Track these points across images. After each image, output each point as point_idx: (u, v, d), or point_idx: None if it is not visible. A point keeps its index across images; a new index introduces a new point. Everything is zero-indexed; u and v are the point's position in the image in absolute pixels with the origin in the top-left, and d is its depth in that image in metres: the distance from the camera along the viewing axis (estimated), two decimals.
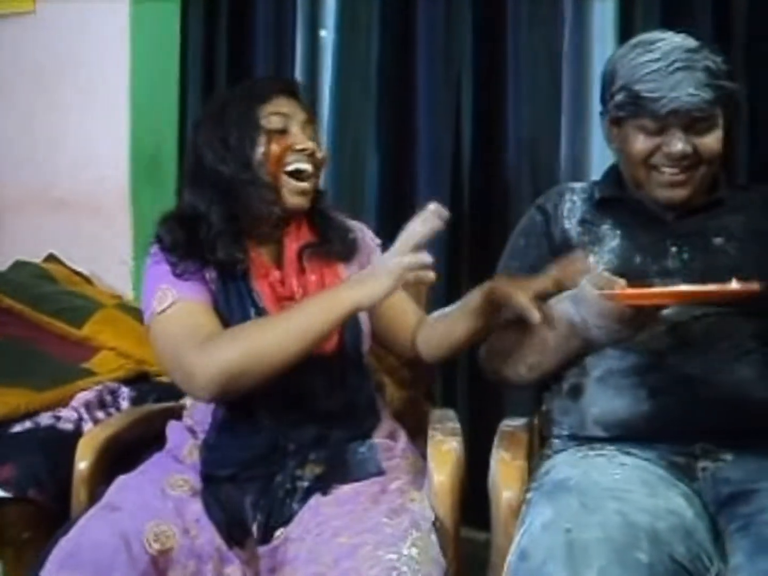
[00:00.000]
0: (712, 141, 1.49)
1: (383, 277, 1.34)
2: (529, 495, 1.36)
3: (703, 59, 1.46)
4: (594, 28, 2.10)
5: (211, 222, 1.50)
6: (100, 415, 1.87)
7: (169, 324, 1.44)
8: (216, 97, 1.67)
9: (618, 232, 1.55)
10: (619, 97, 1.51)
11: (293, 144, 1.52)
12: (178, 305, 1.45)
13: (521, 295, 1.35)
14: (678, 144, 1.47)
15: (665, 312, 1.45)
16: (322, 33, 2.32)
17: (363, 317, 1.57)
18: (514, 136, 2.15)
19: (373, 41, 2.24)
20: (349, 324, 1.49)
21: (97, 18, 2.51)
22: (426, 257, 1.33)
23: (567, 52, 2.10)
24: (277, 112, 1.53)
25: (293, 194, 1.53)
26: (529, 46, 2.13)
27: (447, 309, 1.56)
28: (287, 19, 2.33)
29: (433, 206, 1.34)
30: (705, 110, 1.45)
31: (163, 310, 1.45)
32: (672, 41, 1.48)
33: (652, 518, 1.20)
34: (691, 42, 1.48)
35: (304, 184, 1.53)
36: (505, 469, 1.42)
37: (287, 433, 1.46)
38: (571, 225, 1.60)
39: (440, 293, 2.09)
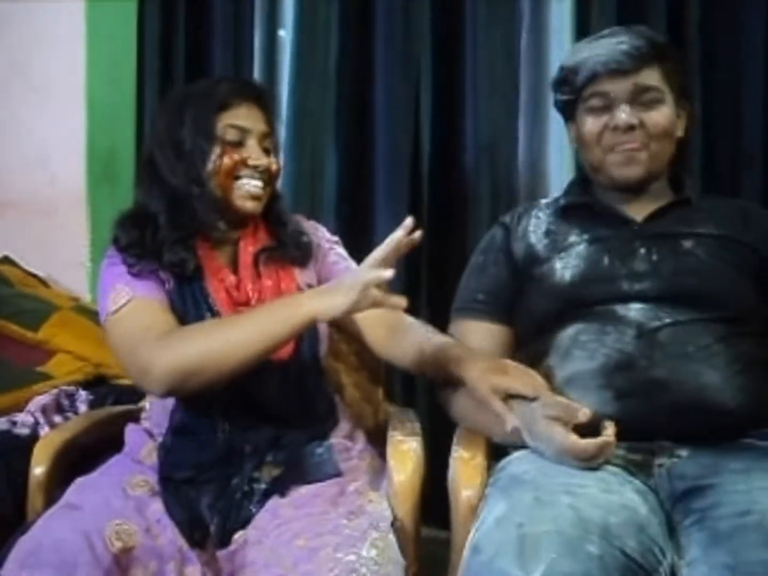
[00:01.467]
0: (658, 115, 1.53)
1: (345, 291, 1.35)
2: (487, 491, 1.37)
3: (636, 29, 1.53)
4: (551, 28, 2.11)
5: (159, 225, 1.50)
6: (57, 419, 1.84)
7: (125, 321, 1.44)
8: (177, 92, 1.62)
9: (585, 236, 1.57)
10: (554, 79, 1.59)
11: (247, 159, 1.51)
12: (133, 303, 1.45)
13: (497, 402, 1.36)
14: (622, 115, 1.52)
15: (633, 316, 1.47)
16: (281, 32, 2.30)
17: (320, 324, 1.55)
18: (472, 136, 2.16)
19: (331, 41, 2.24)
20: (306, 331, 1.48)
21: (52, 15, 2.48)
22: (385, 273, 1.32)
23: (524, 51, 2.12)
24: (234, 125, 1.51)
25: (245, 200, 1.52)
26: (488, 46, 2.15)
27: (430, 334, 1.56)
28: (245, 18, 2.32)
29: (408, 221, 1.34)
30: (626, 64, 1.49)
31: (118, 309, 1.45)
32: (613, 27, 1.56)
33: (604, 513, 1.21)
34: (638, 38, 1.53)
35: (257, 190, 1.53)
36: (464, 468, 1.42)
37: (243, 436, 1.46)
38: (537, 239, 1.61)
39: (398, 284, 2.11)
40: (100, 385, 2.01)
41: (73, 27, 2.44)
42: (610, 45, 1.52)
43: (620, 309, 1.47)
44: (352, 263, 1.64)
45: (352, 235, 1.67)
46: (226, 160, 1.50)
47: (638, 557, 1.18)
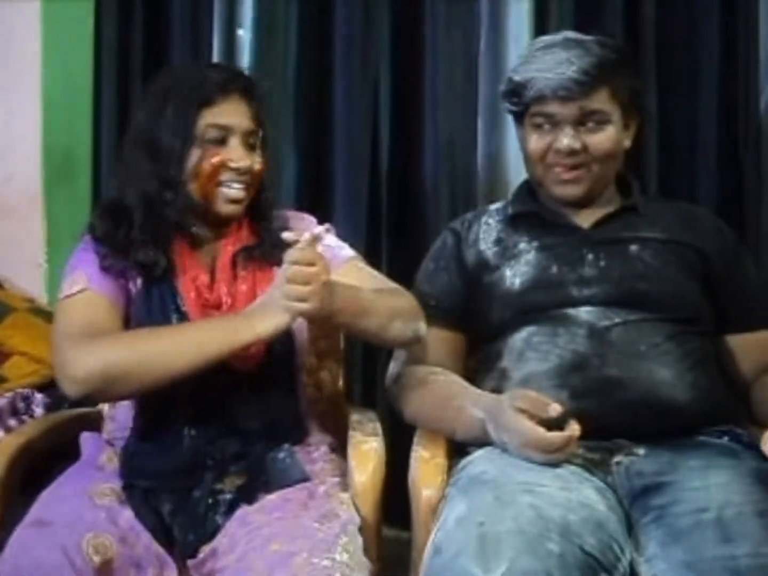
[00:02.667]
0: (602, 139, 1.53)
1: (279, 310, 1.33)
2: (447, 491, 1.38)
3: (587, 44, 1.52)
4: (509, 30, 2.12)
5: (133, 222, 1.46)
6: (12, 422, 1.82)
7: (70, 310, 1.43)
8: (163, 80, 1.52)
9: (534, 244, 1.58)
10: (503, 88, 1.60)
11: (228, 161, 1.45)
12: (84, 294, 1.43)
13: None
14: (564, 140, 1.52)
15: (584, 318, 1.48)
16: (240, 32, 2.29)
17: (300, 331, 1.53)
18: (431, 136, 2.16)
19: (290, 41, 2.23)
20: (278, 342, 1.45)
21: (7, 14, 2.44)
22: (300, 290, 1.30)
23: (483, 53, 2.12)
24: (216, 124, 1.45)
25: (224, 204, 1.48)
26: (446, 47, 2.15)
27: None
28: (204, 17, 2.30)
29: (318, 229, 1.35)
30: (575, 90, 1.49)
31: (69, 296, 1.43)
32: (566, 34, 1.56)
33: (564, 511, 1.22)
34: (586, 36, 1.55)
35: (237, 194, 1.48)
36: (424, 468, 1.43)
37: (208, 447, 1.43)
38: (486, 246, 1.62)
39: None
40: (56, 388, 1.96)
41: (29, 26, 2.41)
42: (560, 66, 1.50)
43: (571, 312, 1.50)
44: (344, 249, 1.59)
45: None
46: (206, 165, 1.45)
47: (597, 554, 1.20)
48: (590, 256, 1.54)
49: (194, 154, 1.45)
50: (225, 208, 1.48)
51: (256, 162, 1.49)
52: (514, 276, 1.56)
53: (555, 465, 1.32)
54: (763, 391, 1.49)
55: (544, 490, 1.26)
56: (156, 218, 1.46)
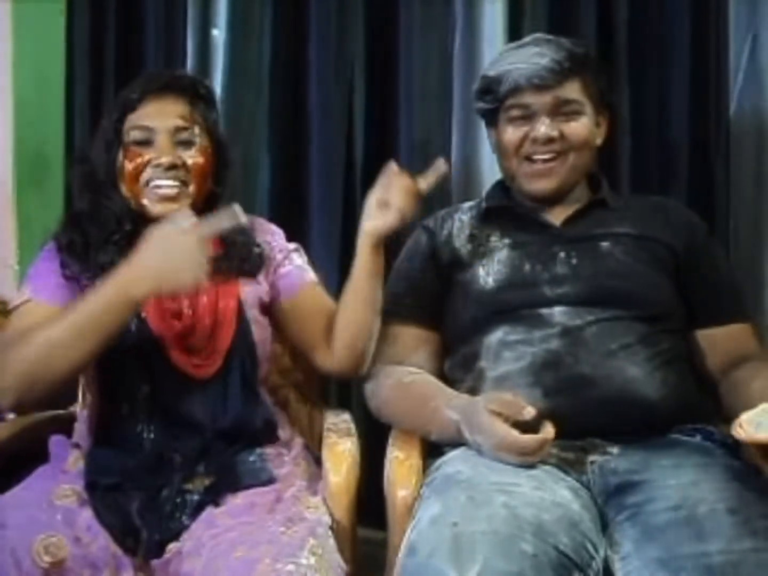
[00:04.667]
0: (578, 126, 1.56)
1: (181, 272, 1.31)
2: (422, 491, 1.38)
3: (557, 41, 1.56)
4: (484, 31, 2.13)
5: (92, 231, 1.48)
6: None
7: (10, 322, 1.44)
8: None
9: (506, 241, 1.59)
10: (476, 87, 1.62)
11: (151, 159, 1.46)
12: (26, 305, 1.45)
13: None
14: (541, 128, 1.54)
15: (557, 318, 1.49)
16: (214, 32, 2.28)
17: (263, 343, 1.54)
18: (406, 138, 2.16)
19: (265, 41, 2.23)
20: (237, 349, 1.47)
21: None
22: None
23: (458, 54, 2.13)
24: (138, 126, 1.47)
25: (155, 202, 1.47)
26: (421, 48, 2.15)
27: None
28: (178, 17, 2.29)
29: (236, 207, 1.35)
30: (548, 78, 1.52)
31: (14, 308, 1.45)
32: (536, 36, 1.59)
33: (537, 511, 1.23)
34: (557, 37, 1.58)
35: (168, 191, 1.47)
36: (399, 468, 1.43)
37: (171, 444, 1.43)
38: (460, 243, 1.62)
39: (333, 288, 2.10)
40: None
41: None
42: (533, 57, 1.54)
43: (544, 311, 1.50)
44: (308, 272, 1.62)
45: (287, 238, 1.65)
46: (127, 164, 1.47)
47: (571, 553, 1.20)
48: (562, 254, 1.55)
49: (118, 160, 1.48)
50: (156, 207, 1.47)
51: (188, 157, 1.48)
52: (488, 275, 1.56)
53: (529, 468, 1.32)
54: (731, 386, 1.50)
55: (518, 489, 1.26)
56: (99, 220, 1.49)
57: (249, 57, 2.25)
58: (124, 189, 1.49)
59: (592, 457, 1.39)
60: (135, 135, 1.47)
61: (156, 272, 1.32)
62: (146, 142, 1.47)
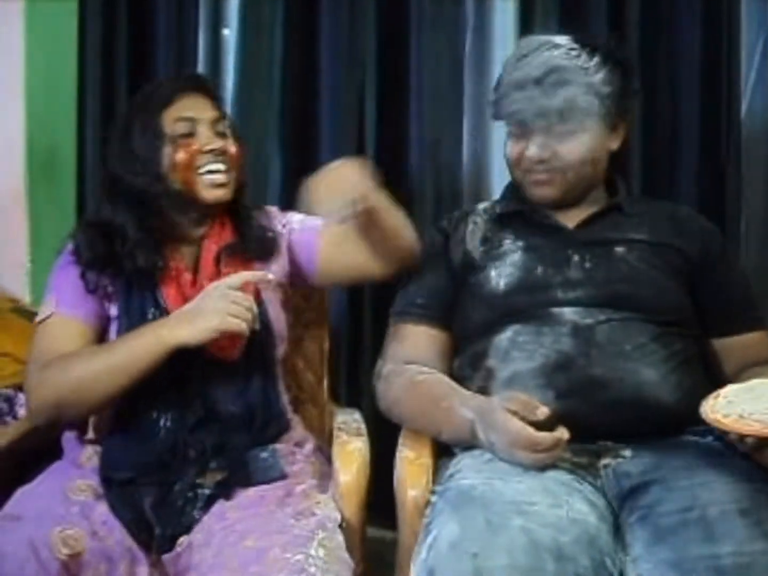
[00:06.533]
0: (572, 147, 1.53)
1: (210, 316, 1.38)
2: (433, 498, 1.37)
3: (564, 72, 1.50)
4: (495, 32, 2.12)
5: (128, 234, 1.50)
6: None
7: (39, 337, 1.49)
8: (123, 111, 1.65)
9: (520, 244, 1.58)
10: (491, 98, 1.61)
11: (201, 147, 1.51)
12: (52, 319, 1.49)
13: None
14: (532, 148, 1.53)
15: (568, 318, 1.48)
16: (225, 32, 2.29)
17: (278, 321, 1.56)
18: (417, 138, 2.16)
19: (276, 41, 2.22)
20: (256, 331, 1.47)
21: None
22: (249, 302, 1.40)
23: (469, 53, 2.13)
24: (181, 117, 1.51)
25: (209, 189, 1.52)
26: (432, 49, 2.15)
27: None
28: (190, 16, 2.29)
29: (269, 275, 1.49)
30: (554, 119, 1.50)
31: (40, 321, 1.50)
32: (544, 54, 1.52)
33: (555, 532, 1.22)
34: (569, 52, 1.52)
35: (220, 177, 1.52)
36: (410, 468, 1.43)
37: (187, 438, 1.45)
38: (473, 246, 1.62)
39: (342, 290, 2.11)
40: None
41: (12, 26, 2.39)
42: (542, 98, 1.49)
43: (555, 311, 1.50)
44: (311, 220, 1.64)
45: None
46: (180, 155, 1.50)
47: (592, 575, 1.20)
48: (576, 258, 1.54)
49: (167, 153, 1.50)
50: (210, 194, 1.52)
51: (230, 145, 1.55)
52: (499, 277, 1.55)
53: (542, 470, 1.32)
54: (746, 372, 1.49)
55: (533, 509, 1.25)
56: (151, 220, 1.52)
57: (260, 56, 2.25)
58: (176, 180, 1.51)
59: (604, 461, 1.38)
60: (179, 127, 1.51)
61: (191, 317, 1.40)
62: (189, 134, 1.51)
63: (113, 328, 1.50)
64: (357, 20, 2.18)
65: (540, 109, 1.50)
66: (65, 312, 1.49)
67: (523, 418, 1.31)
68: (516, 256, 1.57)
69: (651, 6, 2.03)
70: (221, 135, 1.54)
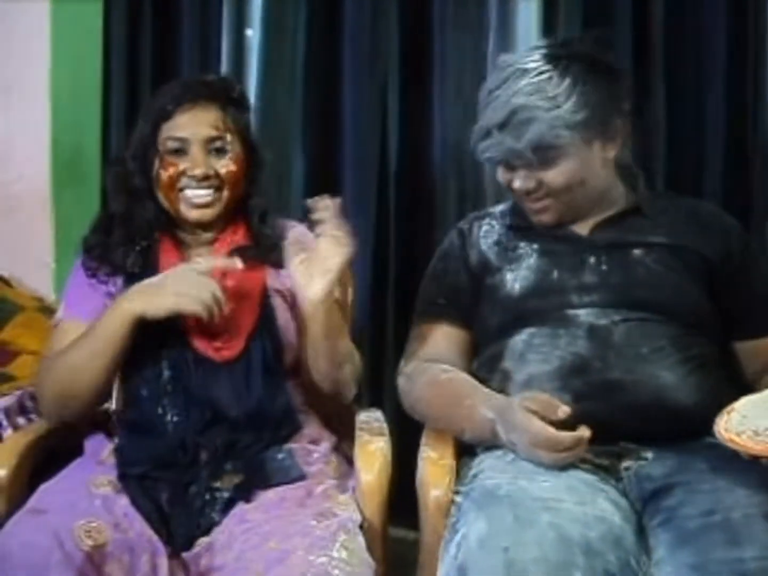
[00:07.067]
0: (556, 174, 1.50)
1: (167, 295, 1.42)
2: (458, 498, 1.37)
3: (526, 110, 1.46)
4: (518, 31, 2.12)
5: (120, 233, 1.55)
6: (20, 421, 1.82)
7: (50, 340, 1.57)
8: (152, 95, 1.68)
9: (535, 247, 1.57)
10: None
11: (186, 169, 1.52)
12: (61, 324, 1.55)
13: None
14: (517, 181, 1.53)
15: (584, 319, 1.47)
16: (248, 32, 2.29)
17: (287, 329, 1.54)
18: (439, 137, 2.16)
19: (299, 41, 2.23)
20: (260, 334, 1.50)
21: (16, 14, 2.45)
22: (212, 287, 1.42)
23: (491, 53, 2.12)
24: (171, 137, 1.53)
25: (189, 209, 1.54)
26: (455, 48, 2.15)
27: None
28: (213, 17, 2.30)
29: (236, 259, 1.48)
30: (518, 157, 1.48)
31: (54, 326, 1.56)
32: (510, 89, 1.47)
33: (583, 528, 1.22)
34: (539, 76, 1.47)
35: (201, 200, 1.54)
36: (432, 468, 1.43)
37: (196, 438, 1.45)
38: (487, 246, 1.62)
39: (366, 290, 2.11)
40: None
41: (37, 26, 2.41)
42: (516, 141, 1.46)
43: (570, 313, 1.49)
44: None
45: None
46: (163, 175, 1.53)
47: (618, 573, 1.20)
48: (592, 260, 1.53)
49: (155, 166, 1.54)
50: (192, 213, 1.55)
51: (221, 166, 1.54)
52: (515, 280, 1.55)
53: (564, 470, 1.32)
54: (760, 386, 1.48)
55: (560, 505, 1.25)
56: (128, 228, 1.56)
57: (283, 57, 2.25)
58: (160, 196, 1.55)
59: (626, 463, 1.38)
60: (170, 145, 1.53)
61: (152, 290, 1.44)
62: (181, 151, 1.53)
63: None
64: (380, 20, 2.18)
65: (510, 152, 1.49)
66: (72, 315, 1.54)
67: (543, 418, 1.31)
68: (531, 260, 1.56)
69: (676, 4, 2.01)
70: (217, 152, 1.54)
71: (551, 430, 1.30)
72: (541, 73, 1.48)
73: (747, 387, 1.53)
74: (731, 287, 1.55)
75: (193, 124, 1.53)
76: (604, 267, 1.52)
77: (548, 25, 2.07)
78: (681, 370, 1.44)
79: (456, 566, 1.23)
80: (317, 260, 1.42)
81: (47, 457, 1.56)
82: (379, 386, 2.15)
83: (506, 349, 1.51)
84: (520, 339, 1.51)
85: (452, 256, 1.65)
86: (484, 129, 1.51)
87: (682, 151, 2.03)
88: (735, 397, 1.44)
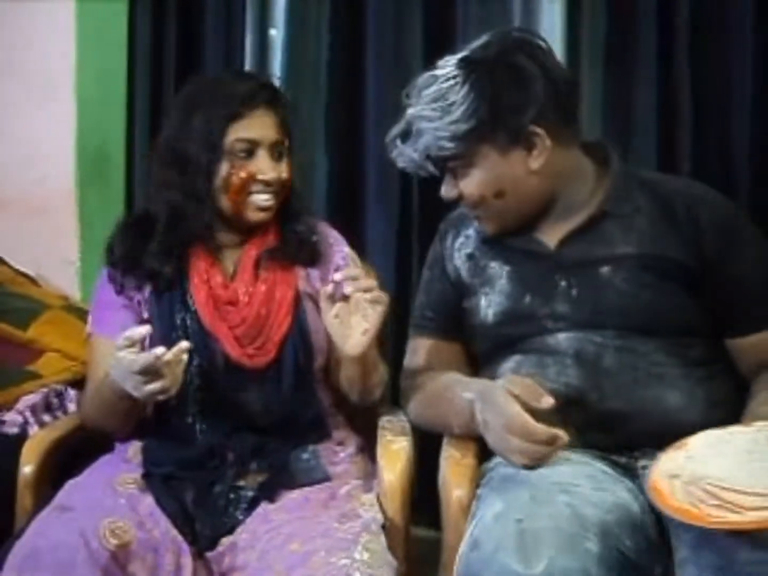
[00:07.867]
0: (466, 185, 1.45)
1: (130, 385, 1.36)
2: (479, 491, 1.37)
3: (418, 122, 1.44)
4: (542, 30, 2.10)
5: (154, 234, 1.51)
6: (46, 418, 1.84)
7: (90, 351, 1.59)
8: (192, 89, 1.57)
9: (506, 268, 1.51)
10: None
11: (256, 173, 1.49)
12: (92, 340, 1.57)
13: None
14: (442, 190, 1.50)
15: (566, 346, 1.43)
16: (272, 32, 2.30)
17: (317, 333, 1.53)
18: None
19: (322, 41, 2.23)
20: (292, 340, 1.50)
21: (42, 14, 2.47)
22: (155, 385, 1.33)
23: None
24: (244, 138, 1.48)
25: (255, 212, 1.52)
26: None
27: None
28: (237, 16, 2.31)
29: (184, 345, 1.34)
30: (421, 168, 1.47)
31: (87, 337, 1.59)
32: (424, 93, 1.44)
33: (599, 511, 1.22)
34: (443, 84, 1.42)
35: (266, 203, 1.52)
36: (455, 468, 1.43)
37: (225, 441, 1.46)
38: (461, 262, 1.57)
39: (390, 293, 2.10)
40: None
41: (63, 26, 2.43)
42: (407, 146, 1.46)
43: (551, 340, 1.45)
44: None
45: (343, 237, 1.66)
46: (235, 179, 1.48)
47: (633, 556, 1.20)
48: (563, 284, 1.46)
49: (223, 168, 1.49)
50: (255, 216, 1.53)
51: (283, 172, 1.53)
52: (488, 306, 1.51)
53: (584, 464, 1.32)
54: (755, 385, 1.43)
55: (578, 490, 1.25)
56: (177, 231, 1.51)
57: (306, 56, 2.26)
58: (223, 197, 1.51)
59: (642, 462, 1.37)
60: (241, 147, 1.49)
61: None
62: (249, 154, 1.49)
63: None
64: (403, 20, 2.18)
65: (412, 164, 1.47)
66: (101, 332, 1.55)
67: (524, 404, 1.26)
68: (503, 282, 1.51)
69: (701, 5, 2.00)
70: (278, 158, 1.53)
71: (527, 417, 1.24)
72: (448, 79, 1.42)
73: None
74: (714, 286, 1.45)
75: (263, 126, 1.51)
76: (573, 292, 1.45)
77: (572, 24, 2.06)
78: (685, 384, 1.40)
79: (470, 542, 1.23)
80: (354, 316, 1.39)
81: (73, 453, 1.58)
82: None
83: (497, 376, 1.47)
84: (508, 367, 1.48)
85: (436, 264, 1.63)
86: (390, 139, 1.50)
87: (707, 150, 2.01)
88: (742, 397, 1.41)
